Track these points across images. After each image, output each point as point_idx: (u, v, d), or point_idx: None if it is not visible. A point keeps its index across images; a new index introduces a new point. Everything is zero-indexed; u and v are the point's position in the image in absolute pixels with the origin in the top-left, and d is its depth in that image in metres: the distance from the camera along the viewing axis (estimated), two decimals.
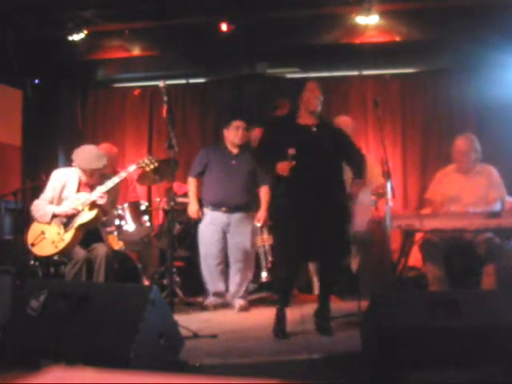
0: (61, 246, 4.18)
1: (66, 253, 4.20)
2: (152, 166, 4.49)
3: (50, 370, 1.19)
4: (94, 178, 4.34)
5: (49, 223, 4.26)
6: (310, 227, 3.78)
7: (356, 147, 4.20)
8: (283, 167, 3.77)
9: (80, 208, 4.22)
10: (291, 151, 3.74)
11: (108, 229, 4.74)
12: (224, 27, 5.84)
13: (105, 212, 4.34)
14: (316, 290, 4.83)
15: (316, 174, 3.84)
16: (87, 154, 4.32)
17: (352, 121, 5.06)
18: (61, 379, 1.17)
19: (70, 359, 2.72)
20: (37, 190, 4.49)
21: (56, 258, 4.26)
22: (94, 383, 1.17)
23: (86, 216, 4.22)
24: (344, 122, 4.96)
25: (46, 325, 2.96)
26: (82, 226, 4.23)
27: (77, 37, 5.96)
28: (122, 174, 4.36)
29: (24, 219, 4.47)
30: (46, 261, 4.30)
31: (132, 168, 4.42)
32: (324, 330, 3.87)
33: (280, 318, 3.89)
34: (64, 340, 2.87)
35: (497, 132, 5.99)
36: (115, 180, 4.28)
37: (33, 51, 6.24)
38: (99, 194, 4.19)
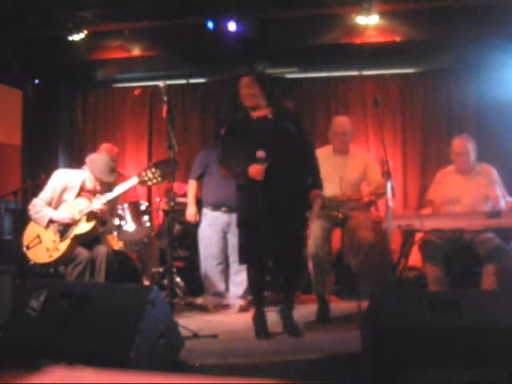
0: (55, 255, 4.13)
1: (59, 262, 4.17)
2: (155, 181, 4.18)
3: (50, 369, 1.19)
4: (99, 188, 4.31)
5: (45, 228, 4.21)
6: (272, 225, 3.64)
7: (309, 146, 4.00)
8: (256, 171, 3.62)
9: (77, 217, 4.15)
10: (260, 154, 3.62)
11: None
12: (225, 27, 5.84)
13: (104, 222, 4.28)
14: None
15: (277, 167, 3.67)
16: (103, 165, 4.28)
17: (350, 121, 5.05)
18: (61, 379, 1.17)
19: (70, 359, 2.72)
20: (37, 190, 4.46)
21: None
22: (93, 383, 1.17)
23: (83, 227, 4.16)
24: (342, 122, 4.95)
25: (46, 325, 2.96)
26: (77, 237, 4.16)
27: (77, 37, 5.96)
28: (124, 186, 4.20)
29: (24, 219, 4.44)
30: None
31: (134, 181, 4.19)
32: (292, 331, 3.79)
33: (259, 319, 3.85)
34: (64, 340, 2.87)
35: (496, 132, 5.99)
36: (115, 192, 4.19)
37: (33, 51, 6.24)
38: (99, 205, 4.13)
